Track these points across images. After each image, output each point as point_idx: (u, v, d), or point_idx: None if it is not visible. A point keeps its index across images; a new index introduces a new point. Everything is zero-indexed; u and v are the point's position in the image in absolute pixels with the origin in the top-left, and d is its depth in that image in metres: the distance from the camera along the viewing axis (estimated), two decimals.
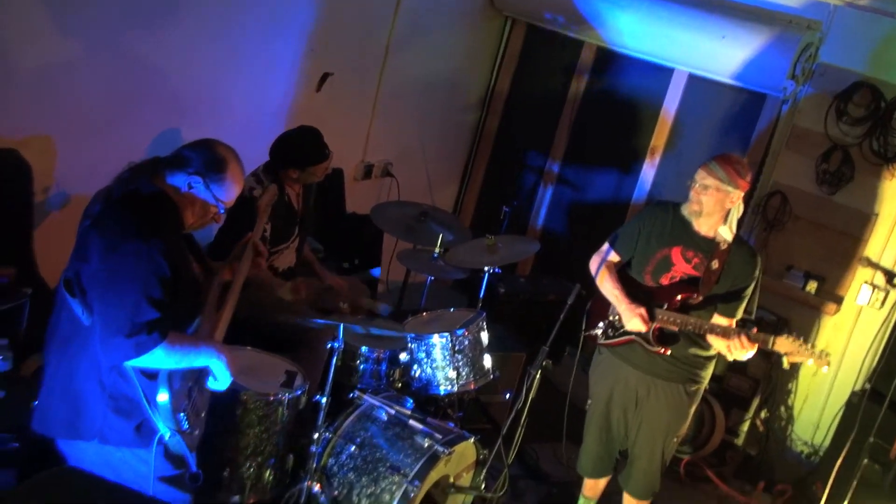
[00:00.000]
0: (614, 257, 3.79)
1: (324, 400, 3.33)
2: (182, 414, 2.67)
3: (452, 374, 3.74)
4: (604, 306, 3.79)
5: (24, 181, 3.68)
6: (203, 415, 2.88)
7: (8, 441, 3.09)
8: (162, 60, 4.11)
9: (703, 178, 3.49)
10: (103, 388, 2.60)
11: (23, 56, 3.58)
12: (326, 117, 4.68)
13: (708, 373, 3.74)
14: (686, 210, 3.61)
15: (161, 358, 2.55)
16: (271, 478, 3.41)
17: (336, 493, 3.39)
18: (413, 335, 3.79)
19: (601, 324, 3.81)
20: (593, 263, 3.83)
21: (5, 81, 3.54)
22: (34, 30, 3.58)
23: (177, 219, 2.66)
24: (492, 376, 3.92)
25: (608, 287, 3.72)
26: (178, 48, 4.16)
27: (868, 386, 4.44)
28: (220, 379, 2.75)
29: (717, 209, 3.52)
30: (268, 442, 3.36)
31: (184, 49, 4.19)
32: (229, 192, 2.72)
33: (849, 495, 3.91)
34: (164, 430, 2.64)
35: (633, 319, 3.57)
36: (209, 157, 2.67)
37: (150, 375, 2.59)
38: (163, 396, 2.60)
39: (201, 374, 2.76)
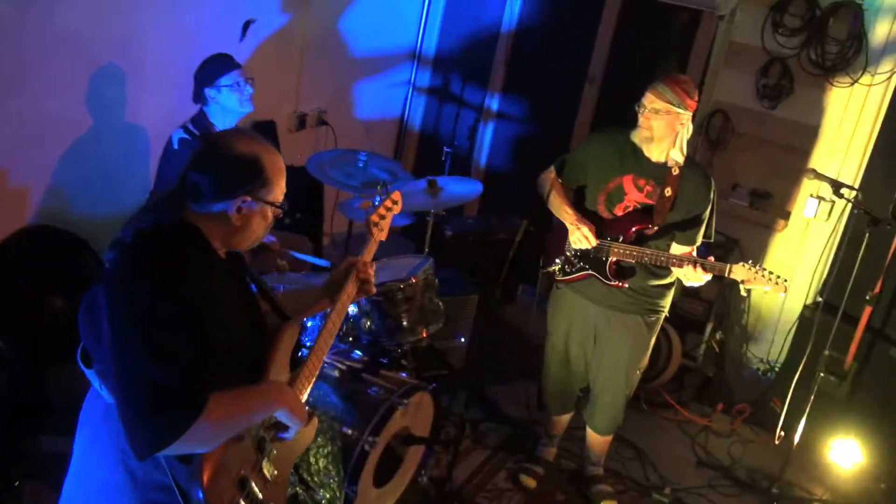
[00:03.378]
0: (555, 177, 3.70)
1: None
2: None
3: (403, 322, 3.63)
4: (561, 242, 3.71)
5: None
6: None
7: None
8: (68, 11, 3.85)
9: (651, 101, 3.37)
10: (135, 479, 2.06)
11: None
12: (253, 67, 4.45)
13: (667, 301, 3.68)
14: (636, 136, 3.49)
15: (205, 437, 1.94)
16: None
17: None
18: None
19: (558, 259, 3.73)
20: (540, 181, 3.73)
21: None
22: None
23: (207, 254, 2.14)
24: (443, 322, 3.82)
25: (557, 202, 3.62)
26: None
27: (820, 299, 4.45)
28: (292, 426, 2.25)
29: (668, 133, 3.41)
30: None
31: None
32: (281, 187, 2.22)
33: (807, 409, 3.93)
34: None
35: (576, 233, 3.47)
36: (241, 167, 2.12)
37: (185, 459, 2.01)
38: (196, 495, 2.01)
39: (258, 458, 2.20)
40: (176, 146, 3.74)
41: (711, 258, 3.41)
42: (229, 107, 3.80)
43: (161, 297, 1.94)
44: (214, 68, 3.78)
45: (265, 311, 2.36)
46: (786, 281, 3.35)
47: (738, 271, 3.35)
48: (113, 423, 2.02)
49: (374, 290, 2.65)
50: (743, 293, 3.46)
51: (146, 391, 1.87)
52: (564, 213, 3.57)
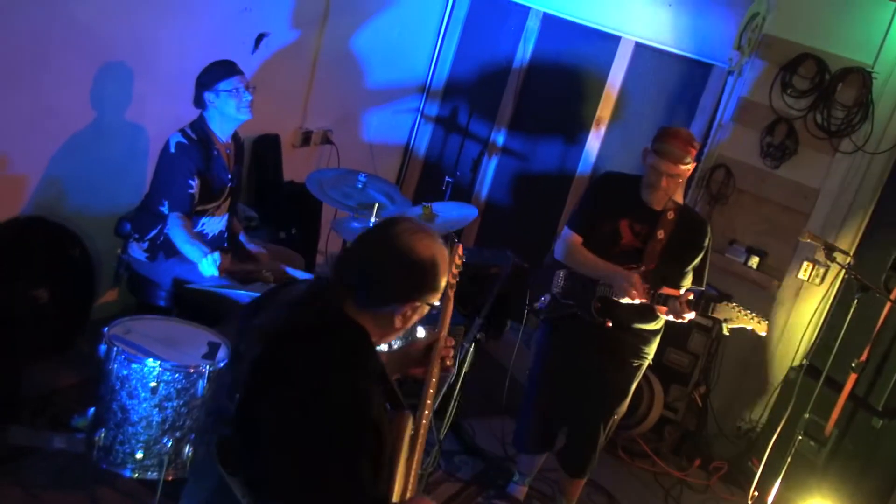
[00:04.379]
0: (578, 238, 3.64)
1: None
2: None
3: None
4: (547, 279, 3.70)
5: None
6: None
7: None
8: (87, 7, 3.89)
9: (668, 167, 3.38)
10: None
11: None
12: (262, 80, 4.49)
13: (652, 348, 3.67)
14: (645, 189, 3.52)
15: None
16: (191, 454, 3.27)
17: None
18: None
19: (544, 297, 3.72)
20: (559, 249, 3.67)
21: None
22: None
23: (373, 356, 1.98)
24: None
25: (590, 259, 3.54)
26: None
27: (805, 362, 4.42)
28: None
29: (679, 188, 3.51)
30: (187, 416, 3.21)
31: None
32: (444, 283, 2.08)
33: (782, 471, 3.88)
34: None
35: (624, 285, 3.40)
36: (420, 273, 1.97)
37: None
38: None
39: None
40: (172, 150, 3.75)
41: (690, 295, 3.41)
42: (227, 112, 3.81)
43: (354, 404, 1.76)
44: (215, 73, 3.79)
45: None
46: (766, 320, 3.39)
47: (721, 310, 3.37)
48: None
49: (450, 369, 2.50)
50: (726, 332, 3.46)
51: None
52: (606, 267, 3.50)
